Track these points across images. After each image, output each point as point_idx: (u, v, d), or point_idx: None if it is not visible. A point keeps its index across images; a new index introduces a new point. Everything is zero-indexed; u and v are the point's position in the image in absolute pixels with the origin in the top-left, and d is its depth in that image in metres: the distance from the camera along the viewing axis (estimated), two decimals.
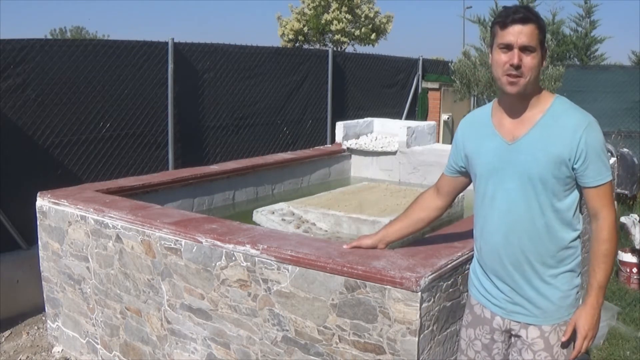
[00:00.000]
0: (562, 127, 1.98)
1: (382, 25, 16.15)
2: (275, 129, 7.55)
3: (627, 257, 4.98)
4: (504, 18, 1.97)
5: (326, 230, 4.32)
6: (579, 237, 2.08)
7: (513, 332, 2.13)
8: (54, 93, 5.10)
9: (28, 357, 3.95)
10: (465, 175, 2.32)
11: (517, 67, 1.95)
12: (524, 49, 1.95)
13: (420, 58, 10.38)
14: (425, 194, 2.53)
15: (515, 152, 2.03)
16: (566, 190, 2.02)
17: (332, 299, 2.57)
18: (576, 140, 1.94)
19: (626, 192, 6.77)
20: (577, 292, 2.11)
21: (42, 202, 3.78)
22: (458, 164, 2.31)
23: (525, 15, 1.96)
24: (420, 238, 2.98)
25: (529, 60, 1.95)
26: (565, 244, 2.04)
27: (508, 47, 1.96)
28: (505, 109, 2.10)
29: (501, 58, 1.98)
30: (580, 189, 2.04)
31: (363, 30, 15.75)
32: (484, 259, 2.17)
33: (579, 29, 11.86)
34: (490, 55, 2.06)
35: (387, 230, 2.61)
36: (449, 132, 10.56)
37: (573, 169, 1.97)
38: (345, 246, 2.70)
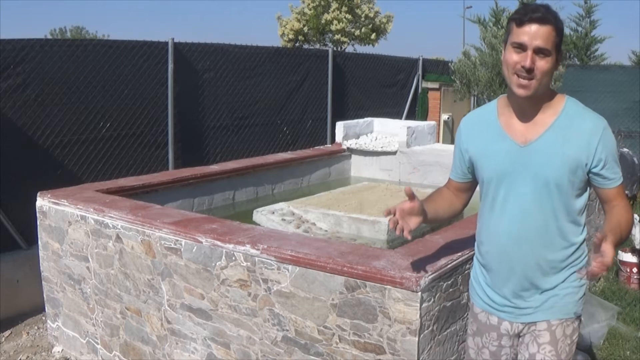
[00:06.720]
0: (577, 129, 1.92)
1: (382, 25, 16.13)
2: (275, 129, 7.55)
3: (627, 257, 4.97)
4: (521, 15, 1.86)
5: (326, 230, 4.32)
6: (585, 239, 2.06)
7: (522, 333, 2.09)
8: (54, 93, 5.09)
9: (28, 357, 3.95)
10: (474, 178, 2.20)
11: (529, 71, 1.85)
12: (539, 52, 1.85)
13: (420, 58, 10.37)
14: (444, 190, 2.30)
15: (529, 155, 1.95)
16: (579, 193, 1.98)
17: (332, 299, 2.57)
18: (594, 144, 1.90)
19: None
20: (583, 291, 2.08)
21: (42, 202, 3.78)
22: (464, 168, 2.19)
23: (544, 15, 1.85)
24: (420, 238, 2.98)
25: (542, 64, 1.85)
26: (576, 247, 2.02)
27: (522, 47, 1.86)
28: (515, 110, 2.00)
29: (513, 57, 1.88)
30: (590, 191, 2.02)
31: (363, 30, 15.73)
32: (490, 265, 2.10)
33: (579, 28, 11.84)
34: (502, 51, 1.96)
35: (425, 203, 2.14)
36: (449, 132, 10.56)
37: (589, 171, 1.94)
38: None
